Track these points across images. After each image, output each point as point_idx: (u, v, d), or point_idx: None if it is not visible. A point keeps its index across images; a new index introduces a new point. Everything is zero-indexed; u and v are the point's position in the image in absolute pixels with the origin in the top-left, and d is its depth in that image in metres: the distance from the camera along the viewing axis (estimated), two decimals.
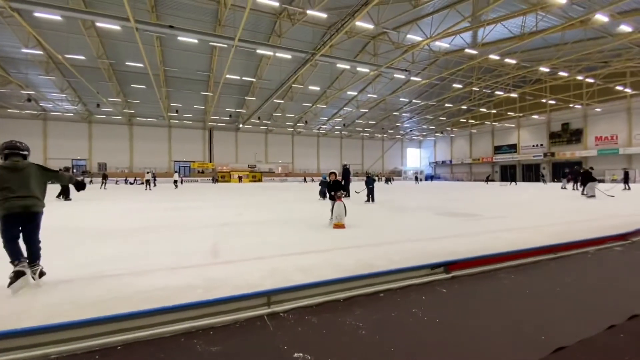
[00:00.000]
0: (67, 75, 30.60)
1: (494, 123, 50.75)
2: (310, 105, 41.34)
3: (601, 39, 24.56)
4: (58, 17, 17.96)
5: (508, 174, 44.60)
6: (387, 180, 38.32)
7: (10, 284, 2.95)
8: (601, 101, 37.83)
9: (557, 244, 4.57)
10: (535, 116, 45.30)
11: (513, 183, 35.07)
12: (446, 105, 44.95)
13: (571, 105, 40.12)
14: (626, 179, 21.43)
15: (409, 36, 24.67)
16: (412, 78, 32.18)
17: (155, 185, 23.54)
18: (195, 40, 20.81)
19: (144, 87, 33.01)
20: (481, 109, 47.88)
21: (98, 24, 21.37)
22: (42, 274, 3.26)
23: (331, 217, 6.76)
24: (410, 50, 26.15)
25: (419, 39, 24.07)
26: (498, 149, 51.83)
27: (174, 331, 2.27)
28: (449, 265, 3.62)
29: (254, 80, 33.65)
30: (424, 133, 63.78)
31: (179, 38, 20.70)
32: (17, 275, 2.99)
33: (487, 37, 24.96)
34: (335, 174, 7.03)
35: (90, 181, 31.23)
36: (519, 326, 2.36)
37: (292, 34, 25.27)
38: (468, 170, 56.98)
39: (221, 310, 2.53)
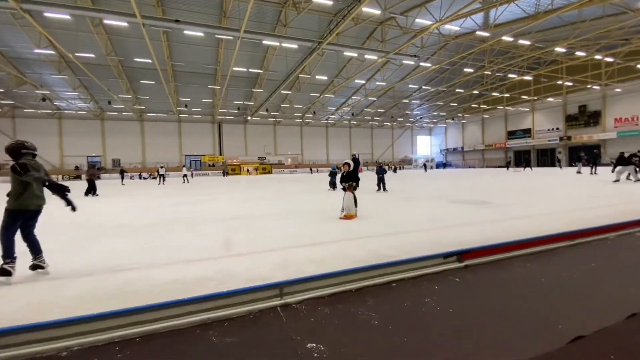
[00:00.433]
0: (78, 73, 31.06)
1: (507, 107, 49.31)
2: (318, 95, 40.98)
3: (621, 15, 23.34)
4: (67, 16, 18.16)
5: (522, 159, 43.49)
6: (395, 169, 38.16)
7: None
8: (621, 81, 36.21)
9: (575, 231, 4.45)
10: (550, 99, 43.76)
11: (528, 168, 34.22)
12: (457, 90, 43.85)
13: (589, 87, 38.54)
14: None
15: (417, 20, 23.96)
16: (422, 64, 31.39)
17: (162, 181, 23.77)
18: (201, 34, 20.72)
19: (153, 82, 33.27)
20: (493, 93, 46.50)
21: (106, 21, 21.51)
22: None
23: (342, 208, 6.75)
24: (419, 34, 25.43)
25: (428, 22, 23.35)
26: (511, 134, 50.47)
27: (190, 323, 2.32)
28: (462, 254, 3.58)
29: (260, 71, 33.49)
30: (435, 120, 62.58)
31: (185, 32, 20.67)
32: (3, 273, 3.23)
33: (499, 18, 24.01)
34: (349, 164, 6.82)
35: (99, 177, 31.68)
36: (535, 315, 2.32)
37: (297, 23, 24.88)
38: (480, 156, 55.81)
39: (235, 302, 2.57)
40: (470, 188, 13.73)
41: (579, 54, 30.07)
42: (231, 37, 21.91)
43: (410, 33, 25.91)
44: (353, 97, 44.33)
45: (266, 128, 52.32)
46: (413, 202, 9.60)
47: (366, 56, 28.21)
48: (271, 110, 45.05)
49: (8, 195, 3.32)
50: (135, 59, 27.61)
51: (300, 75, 32.84)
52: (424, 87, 42.57)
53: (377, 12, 21.23)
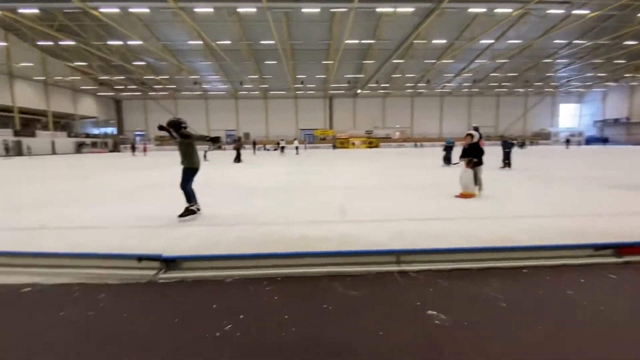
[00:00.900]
0: (218, 59, 36.75)
1: None
2: (434, 61, 37.41)
3: None
4: (210, 9, 21.50)
5: None
6: (522, 144, 32.26)
7: (183, 215, 4.42)
8: None
9: None
10: None
11: None
12: (625, 43, 32.70)
13: None
14: None
15: None
16: (575, 11, 24.62)
17: (283, 152, 26.65)
18: (317, 9, 21.36)
19: (275, 62, 36.57)
20: None
21: (239, 10, 24.45)
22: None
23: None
24: None
25: None
26: None
27: (317, 273, 2.68)
28: (620, 248, 2.93)
29: (372, 42, 32.57)
30: (588, 83, 48.90)
31: (303, 10, 21.67)
32: (191, 212, 4.47)
33: None
34: (471, 135, 6.10)
35: (243, 147, 38.08)
36: None
37: None
38: None
39: (354, 262, 2.82)
40: (634, 168, 10.60)
41: None
42: (345, 9, 21.85)
43: None
44: (476, 61, 38.72)
45: (374, 101, 51.47)
46: (548, 183, 8.09)
47: (497, 10, 23.88)
48: (381, 82, 43.80)
49: (184, 158, 4.52)
50: (261, 42, 30.73)
51: (414, 41, 30.48)
52: (574, 41, 33.55)
53: None
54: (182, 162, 4.53)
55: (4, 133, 30.97)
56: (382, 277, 2.60)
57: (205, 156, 18.72)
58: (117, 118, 51.72)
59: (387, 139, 49.80)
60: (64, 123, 42.26)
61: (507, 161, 11.68)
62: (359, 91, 47.92)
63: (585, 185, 7.52)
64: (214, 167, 14.04)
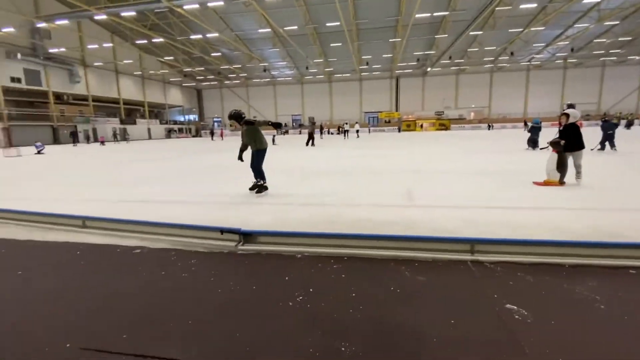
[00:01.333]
0: (285, 45, 37.65)
1: None
2: (521, 29, 32.72)
3: None
4: None
5: None
6: (629, 123, 26.69)
7: (259, 191, 5.02)
8: None
9: None
10: None
11: None
12: None
13: None
14: None
15: None
16: None
17: (347, 136, 26.54)
18: None
19: (340, 44, 36.04)
20: None
21: None
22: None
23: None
24: None
25: None
26: None
27: (382, 255, 2.67)
28: None
29: (446, 13, 29.77)
30: None
31: None
32: (264, 189, 5.07)
33: None
34: (567, 115, 5.26)
35: (286, 132, 39.92)
36: None
37: None
38: None
39: (422, 247, 2.73)
40: None
41: None
42: None
43: None
44: (576, 25, 32.74)
45: (446, 79, 47.50)
46: None
47: None
48: (455, 57, 40.09)
49: (254, 143, 4.95)
50: (327, 24, 30.48)
51: (497, 8, 26.95)
52: None
53: None
54: (252, 147, 4.98)
55: (113, 122, 37.00)
56: (454, 265, 2.48)
57: (273, 141, 19.64)
58: (198, 106, 57.25)
59: (460, 120, 45.84)
60: (156, 112, 48.48)
61: (607, 143, 10.03)
62: (429, 69, 44.65)
63: None
64: (283, 151, 14.72)
